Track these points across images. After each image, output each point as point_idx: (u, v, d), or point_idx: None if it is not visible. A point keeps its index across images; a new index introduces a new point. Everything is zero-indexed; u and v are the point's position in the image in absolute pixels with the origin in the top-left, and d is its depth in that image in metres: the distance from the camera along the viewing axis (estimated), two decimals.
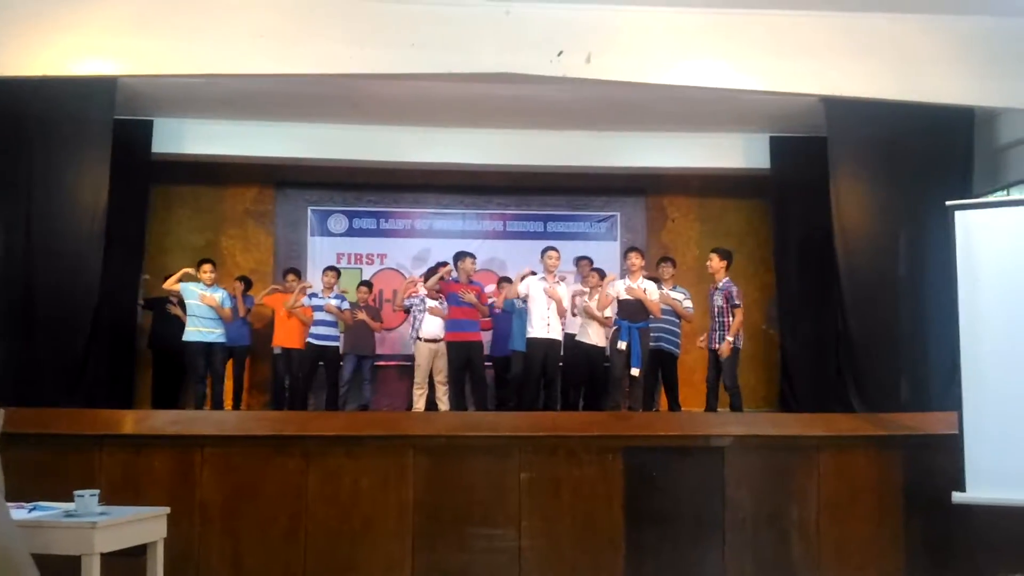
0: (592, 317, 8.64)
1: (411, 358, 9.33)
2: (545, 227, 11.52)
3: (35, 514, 4.52)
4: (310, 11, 7.79)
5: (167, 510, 4.94)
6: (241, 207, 11.21)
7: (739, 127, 10.10)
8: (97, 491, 4.61)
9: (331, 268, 9.82)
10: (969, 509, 6.10)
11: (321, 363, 9.50)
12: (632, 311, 8.39)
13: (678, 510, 6.74)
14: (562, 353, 8.78)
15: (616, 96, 8.85)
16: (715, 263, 8.64)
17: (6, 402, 7.22)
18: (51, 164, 8.09)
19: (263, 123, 9.96)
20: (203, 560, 6.52)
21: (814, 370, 9.52)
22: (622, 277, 8.81)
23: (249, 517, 6.60)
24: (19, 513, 4.49)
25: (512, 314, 9.19)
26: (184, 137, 9.91)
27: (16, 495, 4.73)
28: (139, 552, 4.71)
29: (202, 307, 8.83)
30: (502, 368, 9.57)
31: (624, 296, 8.44)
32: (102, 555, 4.30)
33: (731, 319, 8.39)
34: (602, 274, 8.84)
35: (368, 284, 10.25)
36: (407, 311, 9.51)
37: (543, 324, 8.50)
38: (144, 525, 4.73)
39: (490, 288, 9.79)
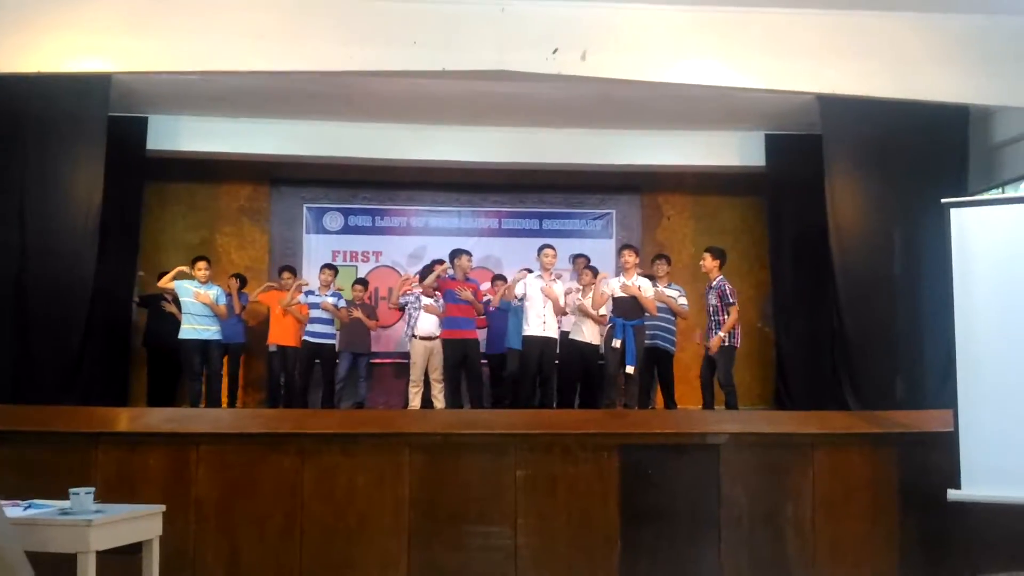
0: (586, 315, 8.64)
1: (407, 356, 9.32)
2: (541, 225, 11.53)
3: (30, 512, 4.51)
4: (306, 9, 7.78)
5: (162, 508, 4.93)
6: (236, 204, 11.19)
7: (734, 125, 10.12)
8: (92, 489, 4.60)
9: (328, 266, 9.83)
10: (964, 507, 6.09)
11: (317, 361, 9.49)
12: (627, 309, 8.39)
13: (674, 508, 6.74)
14: (558, 351, 8.78)
15: (612, 94, 8.86)
16: (708, 262, 8.66)
17: (1, 399, 7.28)
18: (46, 161, 8.07)
19: (258, 120, 9.95)
20: (198, 558, 6.50)
21: (809, 368, 9.55)
22: (617, 275, 8.81)
23: (245, 515, 6.57)
24: (14, 511, 4.49)
25: (507, 312, 9.19)
26: (179, 134, 9.90)
27: (11, 493, 4.75)
28: (134, 550, 4.71)
29: (197, 305, 8.81)
30: (498, 366, 9.57)
31: (619, 294, 8.44)
32: (97, 553, 4.30)
33: (725, 317, 8.40)
34: (595, 271, 8.84)
35: (364, 282, 10.25)
36: (402, 309, 9.51)
37: (539, 322, 8.51)
38: (139, 523, 4.73)
39: (485, 286, 9.78)
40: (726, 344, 8.41)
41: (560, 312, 8.70)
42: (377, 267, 11.29)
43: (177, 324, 8.92)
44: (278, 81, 8.64)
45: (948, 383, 6.18)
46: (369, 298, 10.47)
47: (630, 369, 8.25)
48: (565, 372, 8.87)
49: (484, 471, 6.72)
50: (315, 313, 9.37)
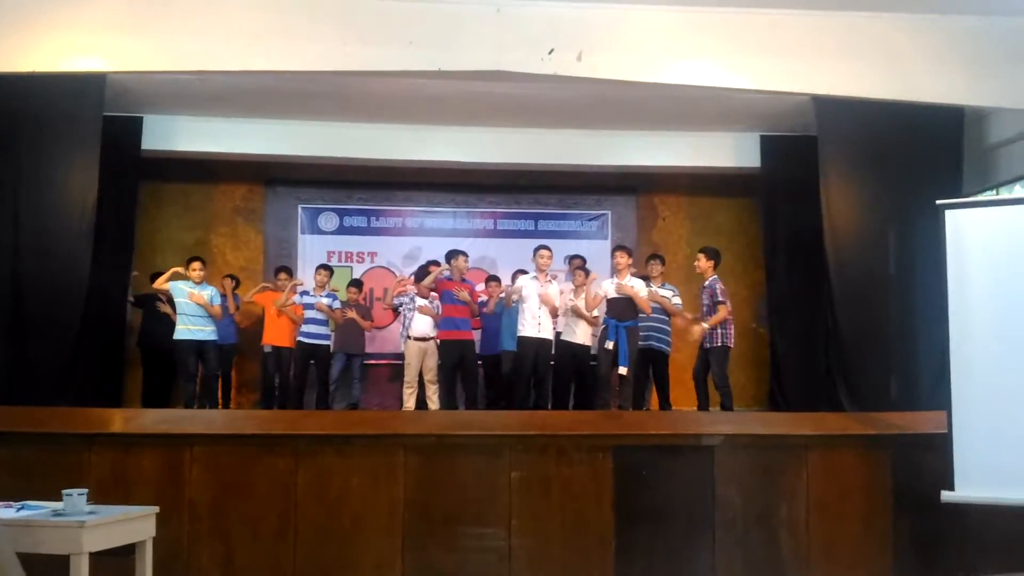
0: (580, 316, 8.64)
1: (401, 357, 9.32)
2: (536, 225, 11.53)
3: (23, 513, 4.51)
4: (302, 9, 7.77)
5: (156, 509, 4.93)
6: (231, 205, 11.18)
7: (729, 126, 10.14)
8: (86, 490, 4.60)
9: (323, 266, 9.80)
10: (958, 508, 6.10)
11: (311, 361, 9.47)
12: (620, 310, 8.40)
13: (668, 509, 6.74)
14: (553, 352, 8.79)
15: (607, 94, 8.86)
16: (703, 262, 8.66)
17: None
18: (40, 161, 8.06)
19: (253, 120, 9.95)
20: (192, 559, 6.49)
21: (803, 369, 9.55)
22: (611, 276, 8.81)
23: (239, 516, 6.57)
24: (7, 512, 4.50)
25: (501, 314, 9.19)
26: (174, 134, 9.89)
27: (4, 494, 4.75)
28: (128, 551, 4.70)
29: (191, 305, 8.78)
30: (492, 367, 9.56)
31: (613, 295, 8.44)
32: (90, 554, 4.30)
33: (726, 316, 8.42)
34: (587, 272, 8.84)
35: (358, 284, 10.23)
36: (396, 310, 9.50)
37: (534, 324, 8.50)
38: (133, 524, 4.72)
39: (480, 287, 9.78)
40: (719, 344, 8.41)
41: (555, 314, 8.68)
42: (372, 268, 11.29)
43: (172, 325, 8.90)
44: (273, 81, 8.63)
45: (942, 384, 6.19)
46: (364, 299, 10.45)
47: (623, 370, 8.25)
48: (557, 373, 8.87)
49: (479, 472, 6.72)
50: (310, 314, 9.34)
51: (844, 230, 8.60)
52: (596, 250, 10.76)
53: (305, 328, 9.34)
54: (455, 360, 8.85)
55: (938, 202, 6.26)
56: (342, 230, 11.38)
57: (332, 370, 9.60)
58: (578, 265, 9.14)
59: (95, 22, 7.70)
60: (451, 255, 9.16)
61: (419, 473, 6.68)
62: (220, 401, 9.41)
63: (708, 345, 8.45)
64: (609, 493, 6.73)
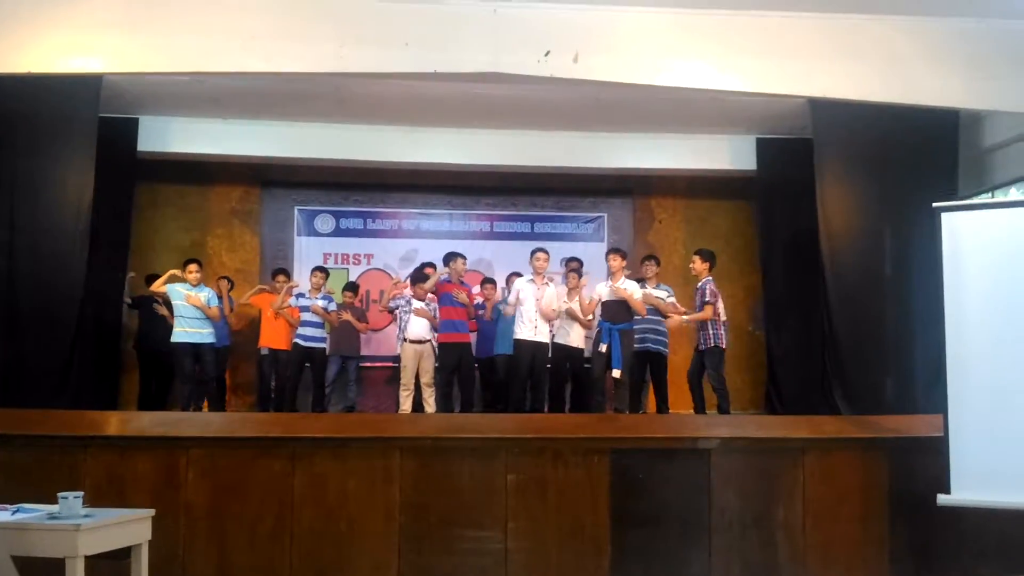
0: (574, 319, 8.64)
1: (396, 359, 9.31)
2: (532, 228, 11.54)
3: (18, 516, 4.50)
4: (298, 10, 7.74)
5: (152, 512, 4.93)
6: (227, 206, 11.17)
7: (726, 129, 10.14)
8: (81, 493, 4.59)
9: (319, 268, 9.78)
10: (954, 511, 6.11)
11: (308, 364, 9.46)
12: (613, 312, 8.41)
13: (664, 512, 6.74)
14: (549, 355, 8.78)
15: (604, 97, 8.87)
16: (698, 264, 8.70)
17: None
18: (35, 162, 8.05)
19: (249, 122, 9.94)
20: (188, 563, 6.48)
21: (800, 372, 9.55)
22: (606, 279, 8.81)
23: (235, 519, 6.56)
24: (2, 515, 4.49)
25: (498, 317, 9.19)
26: (170, 135, 9.89)
27: None
28: (124, 555, 4.70)
29: (188, 308, 8.76)
30: (487, 370, 9.55)
31: (608, 298, 8.46)
32: (86, 558, 4.30)
33: (714, 318, 8.45)
34: (579, 275, 8.85)
35: (354, 288, 10.20)
36: (392, 312, 9.50)
37: (530, 327, 8.49)
38: (129, 527, 4.72)
39: (476, 289, 9.78)
40: (711, 345, 8.45)
41: (552, 318, 8.68)
42: (368, 270, 11.28)
43: (168, 327, 8.89)
44: (269, 82, 8.63)
45: (938, 387, 6.19)
46: (360, 301, 10.44)
47: (616, 373, 8.26)
48: (553, 376, 8.87)
49: (475, 475, 6.72)
50: (306, 316, 9.33)
51: (840, 233, 8.62)
52: (592, 252, 10.74)
53: (301, 331, 9.33)
54: (454, 363, 8.85)
55: (934, 204, 6.26)
56: (338, 232, 11.37)
57: (328, 373, 9.58)
58: (572, 268, 9.14)
59: (91, 23, 7.66)
60: (449, 257, 9.16)
61: (415, 476, 6.68)
62: (208, 404, 9.34)
63: (702, 347, 8.49)
64: (605, 496, 6.73)
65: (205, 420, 7.94)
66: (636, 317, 8.49)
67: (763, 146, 10.21)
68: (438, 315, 8.98)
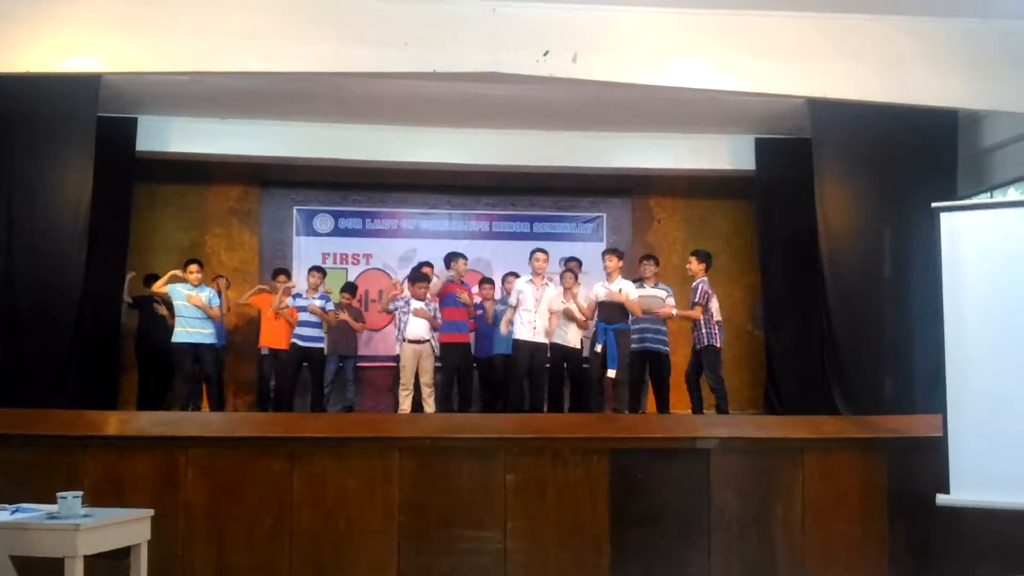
0: (572, 319, 8.65)
1: (394, 359, 9.32)
2: (531, 228, 11.54)
3: (17, 516, 4.50)
4: (296, 9, 7.75)
5: (151, 512, 4.93)
6: (226, 206, 11.16)
7: (725, 128, 10.15)
8: (80, 493, 4.59)
9: (316, 268, 9.77)
10: (953, 511, 6.11)
11: (305, 364, 9.45)
12: (609, 313, 8.45)
13: (663, 512, 6.74)
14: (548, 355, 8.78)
15: (603, 97, 8.87)
16: (694, 265, 8.77)
17: None
18: (34, 161, 8.04)
19: (248, 121, 9.93)
20: (187, 562, 6.48)
21: (799, 372, 9.56)
22: (604, 279, 8.83)
23: (234, 519, 6.56)
24: (1, 515, 4.49)
25: (498, 319, 9.19)
26: (169, 135, 9.88)
27: None
28: (123, 555, 4.70)
29: (189, 307, 8.78)
30: (486, 370, 9.55)
31: (604, 299, 8.46)
32: (85, 557, 4.30)
33: (703, 316, 8.48)
34: (575, 275, 8.87)
35: (352, 288, 10.18)
36: (391, 313, 9.50)
37: (529, 327, 8.47)
38: (128, 527, 4.72)
39: (474, 289, 9.78)
40: (705, 344, 8.49)
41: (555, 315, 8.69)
42: (367, 269, 11.28)
43: (168, 327, 8.88)
44: (268, 82, 8.63)
45: (937, 387, 6.19)
46: (359, 301, 10.43)
47: (611, 373, 8.27)
48: (550, 375, 8.86)
49: (474, 475, 6.71)
50: (303, 316, 9.31)
51: (839, 233, 8.62)
52: (591, 252, 10.71)
53: (299, 331, 9.31)
54: (456, 363, 8.86)
55: (933, 205, 6.26)
56: (337, 232, 11.37)
57: (326, 372, 9.57)
58: (568, 267, 9.15)
59: (90, 22, 7.67)
60: (451, 258, 9.18)
61: (414, 476, 6.67)
62: (207, 403, 9.35)
63: (698, 347, 8.51)
64: (604, 496, 6.72)
65: (204, 420, 7.94)
66: (633, 317, 8.49)
67: (762, 146, 10.21)
68: (438, 315, 8.98)
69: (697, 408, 8.63)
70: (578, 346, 8.77)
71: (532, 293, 8.52)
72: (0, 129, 8.03)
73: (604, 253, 8.99)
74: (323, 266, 10.17)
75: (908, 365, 8.20)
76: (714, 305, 8.62)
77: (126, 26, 7.67)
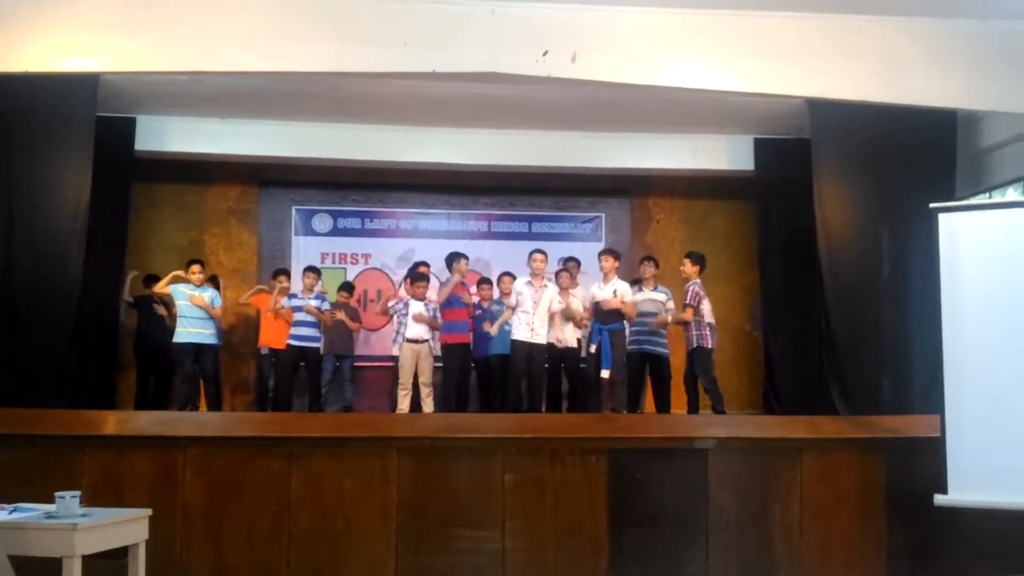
0: (570, 318, 8.64)
1: (391, 360, 9.31)
2: (530, 228, 11.53)
3: (15, 515, 4.49)
4: (296, 9, 7.75)
5: (149, 512, 4.93)
6: (225, 206, 11.15)
7: (724, 129, 10.15)
8: (78, 493, 4.59)
9: (310, 268, 9.71)
10: (951, 511, 6.11)
11: (302, 364, 9.43)
12: (604, 313, 8.44)
13: (662, 512, 6.74)
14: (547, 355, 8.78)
15: (601, 97, 8.87)
16: (688, 267, 8.79)
17: None
18: (33, 161, 8.04)
19: (247, 121, 9.93)
20: (185, 562, 6.47)
21: (797, 372, 9.57)
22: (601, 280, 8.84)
23: (232, 519, 6.56)
24: None
25: (496, 316, 9.19)
26: (167, 135, 9.88)
27: None
28: (121, 554, 4.70)
29: (192, 308, 8.78)
30: (483, 370, 9.54)
31: (599, 298, 8.48)
32: (83, 557, 4.29)
33: (695, 317, 8.50)
34: (571, 275, 8.87)
35: (349, 287, 10.18)
36: (387, 315, 9.50)
37: (527, 328, 8.45)
38: (126, 527, 4.71)
39: (472, 289, 9.78)
40: (696, 346, 8.52)
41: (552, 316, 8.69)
42: (366, 269, 11.27)
43: (167, 327, 8.88)
44: (267, 82, 8.63)
45: (936, 387, 6.18)
46: (357, 301, 10.43)
47: (605, 373, 8.28)
48: (548, 375, 8.86)
49: (472, 475, 6.72)
50: (299, 316, 9.26)
51: (838, 233, 8.63)
52: (590, 252, 10.71)
53: (295, 331, 9.24)
54: (458, 364, 8.87)
55: (931, 205, 6.26)
56: (336, 231, 11.36)
57: (323, 372, 9.56)
58: (564, 267, 9.15)
59: (88, 22, 7.66)
60: (452, 258, 9.18)
61: (413, 476, 6.67)
62: (205, 403, 9.34)
63: (689, 348, 8.54)
64: (603, 496, 6.73)
65: (202, 420, 7.94)
66: (625, 319, 8.52)
67: (761, 146, 10.21)
68: (438, 316, 8.98)
69: (693, 408, 8.63)
70: (575, 345, 8.77)
71: (531, 294, 8.51)
72: None
73: (600, 254, 8.99)
74: (318, 266, 10.13)
75: (906, 365, 8.20)
76: (706, 307, 8.63)
77: (125, 26, 7.66)
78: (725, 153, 10.41)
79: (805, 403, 9.01)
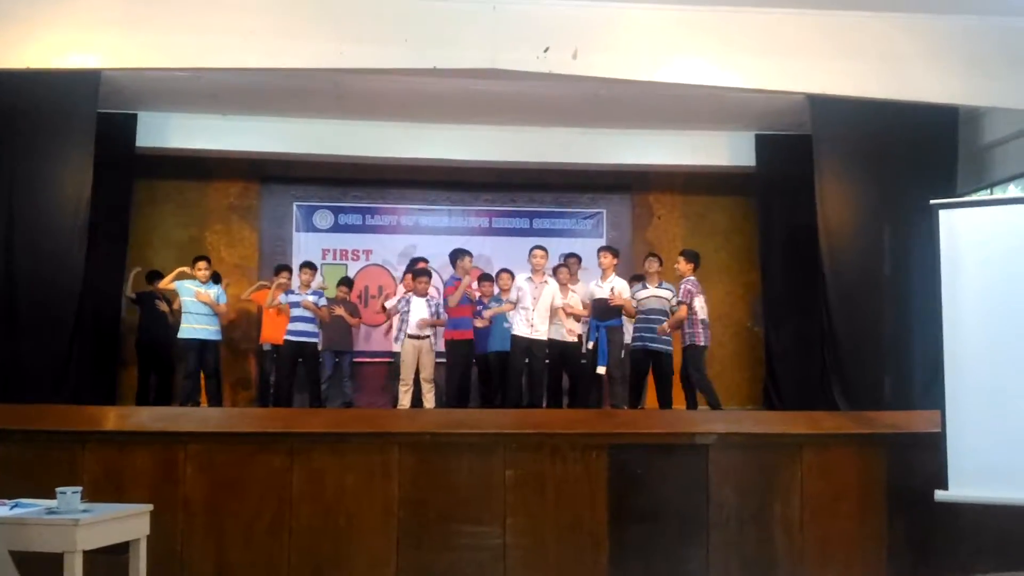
0: (570, 314, 8.65)
1: (391, 355, 9.32)
2: (531, 224, 11.53)
3: (17, 511, 4.51)
4: (296, 6, 7.74)
5: (150, 507, 4.94)
6: (226, 202, 11.15)
7: (725, 125, 10.14)
8: (80, 488, 4.61)
9: (307, 264, 9.64)
10: (952, 507, 6.12)
11: (300, 360, 9.40)
12: (601, 310, 8.44)
13: (662, 508, 6.75)
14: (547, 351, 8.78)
15: (602, 93, 8.87)
16: (682, 265, 8.82)
17: None
18: (34, 158, 8.02)
19: (248, 118, 9.93)
20: (186, 558, 6.49)
21: (798, 368, 9.56)
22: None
23: (233, 514, 6.57)
24: (0, 510, 4.48)
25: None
26: (168, 131, 9.88)
27: None
28: (122, 550, 4.70)
29: (198, 304, 8.79)
30: (483, 365, 9.54)
31: (598, 295, 8.49)
32: (85, 552, 4.30)
33: (691, 315, 8.52)
34: (571, 271, 8.86)
35: (348, 282, 10.18)
36: (388, 314, 9.49)
37: (526, 324, 8.44)
38: (127, 522, 4.73)
39: (473, 284, 9.77)
40: (688, 343, 8.55)
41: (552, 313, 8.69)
42: (367, 266, 11.27)
43: (169, 323, 8.89)
44: (268, 78, 8.61)
45: (936, 383, 6.19)
46: (358, 297, 10.42)
47: (601, 369, 8.30)
48: (548, 370, 8.85)
49: (473, 471, 6.73)
50: (296, 312, 9.22)
51: (839, 229, 8.61)
52: (591, 248, 10.71)
53: (292, 326, 9.16)
54: (462, 360, 8.87)
55: (932, 202, 6.27)
56: (337, 228, 11.36)
57: (322, 368, 9.55)
58: (565, 263, 9.15)
59: (90, 18, 7.66)
60: (456, 255, 9.18)
61: (414, 471, 6.69)
62: (206, 399, 9.35)
63: (684, 345, 8.55)
64: (603, 491, 6.74)
65: (203, 415, 7.95)
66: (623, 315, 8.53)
67: (762, 142, 10.21)
68: (441, 311, 8.98)
69: (691, 405, 8.65)
70: (573, 340, 8.76)
71: (531, 290, 8.50)
72: (0, 125, 8.02)
73: (599, 250, 9.00)
74: (314, 262, 10.05)
75: (907, 361, 8.19)
76: (699, 303, 8.62)
77: (126, 22, 7.66)
78: (726, 149, 10.41)
79: (806, 399, 9.02)
